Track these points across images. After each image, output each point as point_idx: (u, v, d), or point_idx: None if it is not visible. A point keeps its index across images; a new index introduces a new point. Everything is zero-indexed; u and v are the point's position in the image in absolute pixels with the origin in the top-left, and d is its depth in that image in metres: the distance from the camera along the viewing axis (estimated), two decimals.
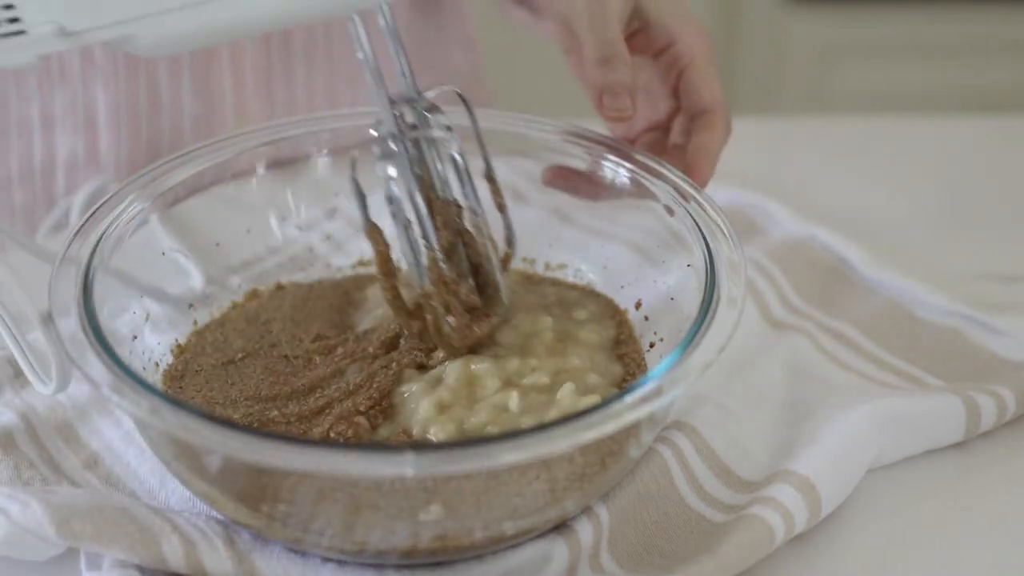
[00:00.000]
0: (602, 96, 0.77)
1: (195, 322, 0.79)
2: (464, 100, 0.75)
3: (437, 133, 0.73)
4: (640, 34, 0.82)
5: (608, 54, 0.78)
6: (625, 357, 0.76)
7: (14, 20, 0.64)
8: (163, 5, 0.63)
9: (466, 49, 1.13)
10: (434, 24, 1.10)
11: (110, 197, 0.75)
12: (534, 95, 0.80)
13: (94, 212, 0.74)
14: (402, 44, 0.73)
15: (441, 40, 1.11)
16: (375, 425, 0.71)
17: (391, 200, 0.71)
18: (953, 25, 2.06)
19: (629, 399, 0.63)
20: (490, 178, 0.76)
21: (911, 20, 2.05)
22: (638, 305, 0.79)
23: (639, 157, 0.78)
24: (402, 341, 0.75)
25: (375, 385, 0.72)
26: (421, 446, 0.62)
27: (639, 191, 0.78)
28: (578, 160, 0.81)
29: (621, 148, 0.79)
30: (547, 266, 0.84)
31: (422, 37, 1.08)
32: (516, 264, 0.84)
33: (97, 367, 0.65)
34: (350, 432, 0.70)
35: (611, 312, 0.80)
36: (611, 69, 0.77)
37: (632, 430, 0.66)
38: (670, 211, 0.76)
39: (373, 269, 0.83)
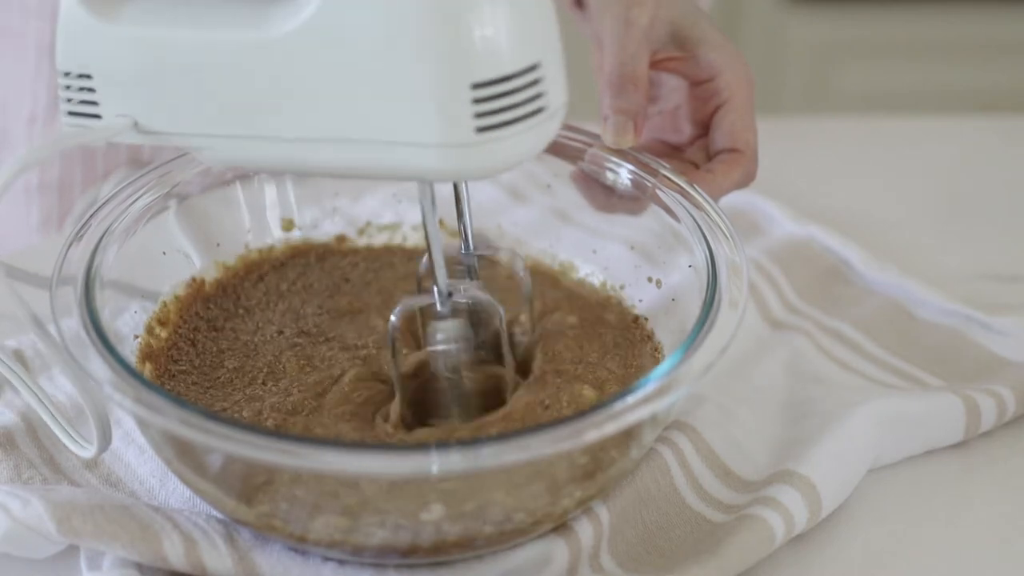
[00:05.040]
0: (605, 121, 0.75)
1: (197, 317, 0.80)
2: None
3: (479, 296, 0.71)
4: (681, 61, 0.79)
5: (621, 77, 0.75)
6: None
7: (92, 103, 0.67)
8: (226, 131, 0.64)
9: None
10: None
11: (109, 199, 0.75)
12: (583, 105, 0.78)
13: (93, 213, 0.74)
14: (469, 208, 0.72)
15: None
16: None
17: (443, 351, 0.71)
18: (953, 25, 2.06)
19: (631, 399, 0.63)
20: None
21: (911, 20, 2.05)
22: (638, 307, 0.79)
23: (641, 158, 0.78)
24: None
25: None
26: (424, 447, 0.62)
27: (642, 194, 0.77)
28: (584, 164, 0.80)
29: (622, 151, 0.79)
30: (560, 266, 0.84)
31: None
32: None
33: (99, 365, 0.65)
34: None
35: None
36: (620, 93, 0.75)
37: (634, 431, 0.66)
38: (670, 211, 0.76)
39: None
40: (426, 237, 0.68)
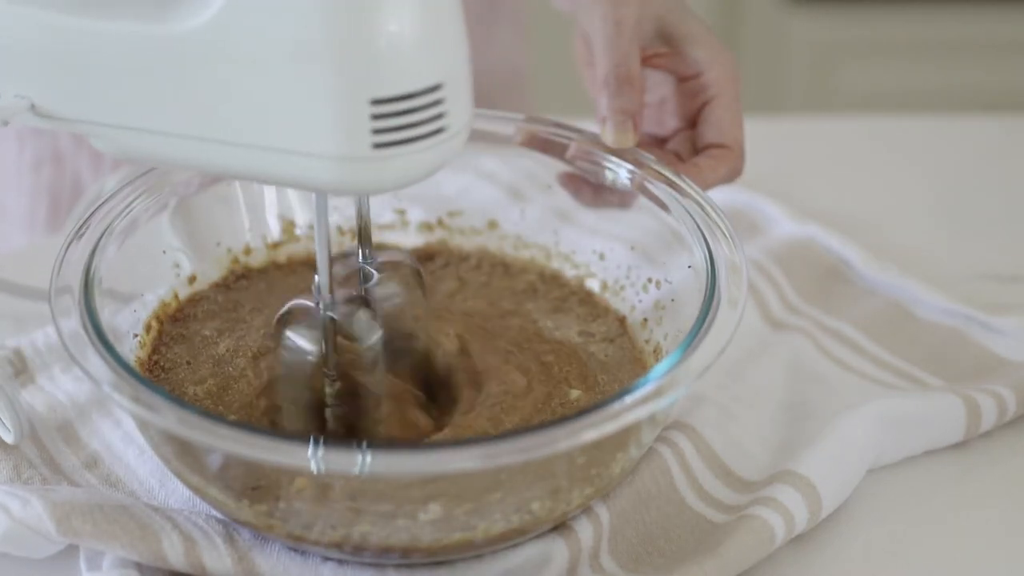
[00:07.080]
0: (604, 122, 0.76)
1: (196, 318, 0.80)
2: (420, 275, 0.74)
3: (359, 326, 0.69)
4: (667, 57, 0.79)
5: (617, 79, 0.75)
6: None
7: None
8: (121, 122, 0.63)
9: (513, 50, 1.13)
10: (486, 20, 1.09)
11: (108, 198, 0.75)
12: (573, 98, 0.78)
13: (93, 212, 0.74)
14: (368, 218, 0.71)
15: (489, 37, 1.10)
16: None
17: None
18: (953, 25, 2.06)
19: (629, 399, 0.63)
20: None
21: (911, 20, 2.05)
22: (638, 307, 0.79)
23: (640, 158, 0.78)
24: None
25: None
26: (422, 445, 0.62)
27: (639, 194, 0.77)
28: (580, 163, 0.80)
29: (621, 151, 0.79)
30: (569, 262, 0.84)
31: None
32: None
33: (97, 364, 0.65)
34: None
35: None
36: (618, 94, 0.75)
37: (633, 430, 0.66)
38: (669, 211, 0.76)
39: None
40: (317, 244, 0.67)
